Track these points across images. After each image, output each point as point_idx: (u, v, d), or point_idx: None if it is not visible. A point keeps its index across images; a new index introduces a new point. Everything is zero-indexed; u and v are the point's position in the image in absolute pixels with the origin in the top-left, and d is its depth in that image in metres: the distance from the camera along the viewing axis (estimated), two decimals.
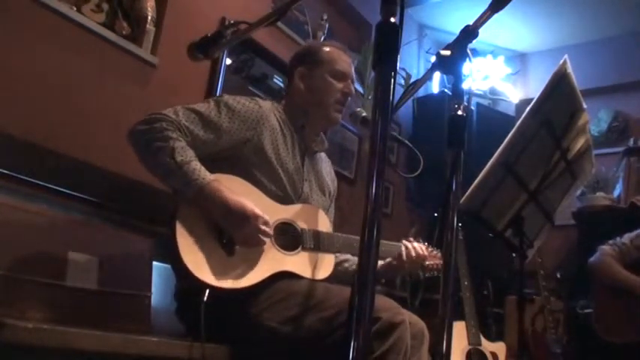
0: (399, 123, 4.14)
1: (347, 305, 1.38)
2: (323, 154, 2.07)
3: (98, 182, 2.07)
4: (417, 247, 1.94)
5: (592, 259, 3.05)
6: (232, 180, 1.68)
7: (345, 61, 1.95)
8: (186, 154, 1.60)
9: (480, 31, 1.19)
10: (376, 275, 2.02)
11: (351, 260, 1.98)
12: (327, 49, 1.97)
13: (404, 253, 1.91)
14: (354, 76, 1.98)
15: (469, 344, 2.99)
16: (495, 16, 1.18)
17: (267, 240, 1.65)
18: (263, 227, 1.61)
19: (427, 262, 1.99)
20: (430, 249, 2.01)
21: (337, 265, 1.93)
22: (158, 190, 1.93)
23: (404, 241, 1.96)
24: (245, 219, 1.59)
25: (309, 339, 1.56)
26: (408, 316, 1.62)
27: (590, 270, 3.05)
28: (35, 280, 1.49)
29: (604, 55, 4.40)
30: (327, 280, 1.77)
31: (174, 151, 1.58)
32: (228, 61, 2.77)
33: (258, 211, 1.61)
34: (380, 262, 1.94)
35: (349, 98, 1.93)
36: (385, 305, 1.56)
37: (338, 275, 1.88)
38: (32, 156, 1.89)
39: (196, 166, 1.60)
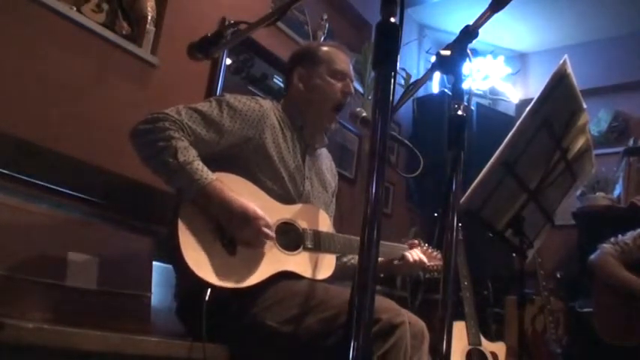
0: (399, 123, 4.14)
1: (347, 306, 1.37)
2: (324, 150, 2.07)
3: (98, 182, 2.07)
4: (418, 253, 1.96)
5: (592, 256, 3.03)
6: (234, 179, 1.68)
7: (344, 60, 1.95)
8: (188, 153, 1.60)
9: (480, 31, 1.19)
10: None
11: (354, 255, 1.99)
12: (325, 48, 1.97)
13: (410, 257, 1.93)
14: (352, 74, 1.98)
15: (469, 344, 2.99)
16: (495, 16, 1.18)
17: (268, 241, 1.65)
18: (265, 229, 1.62)
19: (428, 264, 1.99)
20: (430, 250, 2.01)
21: (342, 258, 1.95)
22: (158, 190, 1.93)
23: (408, 249, 1.97)
24: (247, 219, 1.59)
25: (309, 340, 1.56)
26: (408, 316, 1.62)
27: (590, 268, 3.03)
28: (35, 280, 1.49)
29: (604, 55, 4.40)
30: (330, 278, 1.77)
31: (177, 151, 1.58)
32: (228, 61, 2.77)
33: (259, 211, 1.62)
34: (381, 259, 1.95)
35: (349, 97, 1.93)
36: (385, 306, 1.55)
37: (345, 271, 1.90)
38: (32, 156, 1.89)
39: (199, 165, 1.60)
